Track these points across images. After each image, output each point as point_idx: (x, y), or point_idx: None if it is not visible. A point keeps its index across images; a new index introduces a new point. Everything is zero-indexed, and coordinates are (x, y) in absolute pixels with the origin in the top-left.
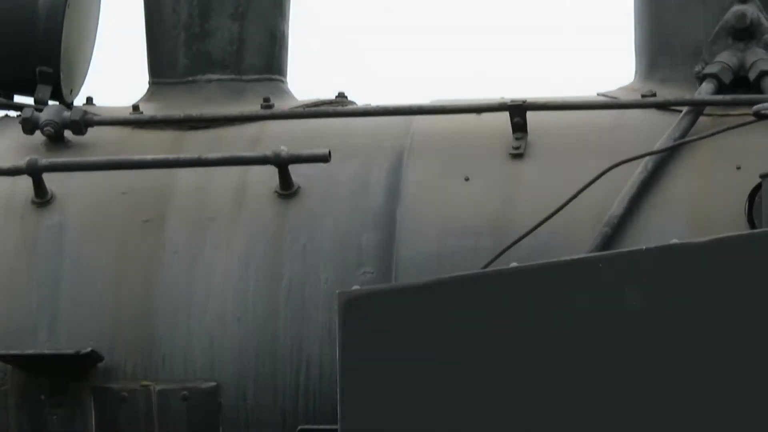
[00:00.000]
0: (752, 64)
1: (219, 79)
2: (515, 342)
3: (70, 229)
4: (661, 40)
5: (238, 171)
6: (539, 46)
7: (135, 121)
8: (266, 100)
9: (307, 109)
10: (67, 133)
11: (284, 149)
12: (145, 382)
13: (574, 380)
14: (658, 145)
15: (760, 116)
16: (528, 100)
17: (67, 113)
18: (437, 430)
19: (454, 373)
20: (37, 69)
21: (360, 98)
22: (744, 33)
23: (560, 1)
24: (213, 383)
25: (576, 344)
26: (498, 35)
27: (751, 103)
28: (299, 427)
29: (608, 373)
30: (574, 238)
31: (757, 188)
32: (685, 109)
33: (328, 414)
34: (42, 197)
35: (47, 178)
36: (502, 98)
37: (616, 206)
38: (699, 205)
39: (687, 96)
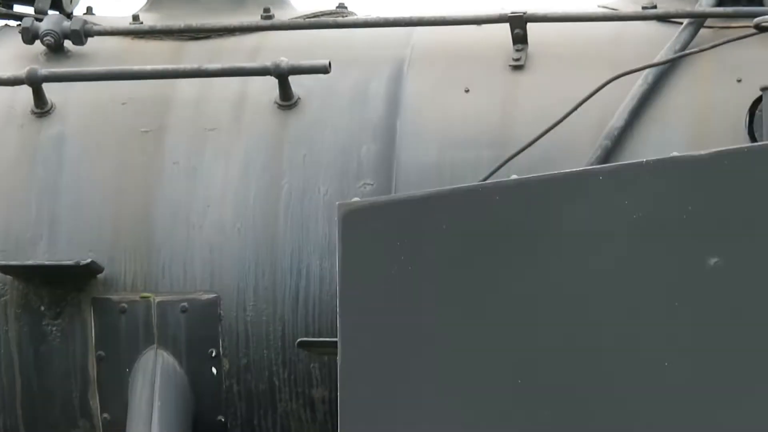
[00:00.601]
0: None
1: None
2: (515, 254)
3: (70, 140)
4: None
5: (238, 82)
6: None
7: (135, 31)
8: (266, 10)
9: (307, 20)
10: (67, 43)
11: (284, 60)
12: (144, 294)
13: (574, 291)
14: (658, 58)
15: (761, 29)
16: (528, 12)
17: (67, 23)
18: (436, 339)
19: (454, 285)
20: None
21: (360, 9)
22: None
23: None
24: (213, 294)
25: (576, 256)
26: None
27: (752, 16)
28: (298, 340)
29: (608, 283)
30: (575, 150)
31: (758, 101)
32: (685, 21)
33: (327, 324)
34: (42, 107)
35: (47, 88)
36: (503, 9)
37: (617, 118)
38: (699, 118)
39: (688, 8)
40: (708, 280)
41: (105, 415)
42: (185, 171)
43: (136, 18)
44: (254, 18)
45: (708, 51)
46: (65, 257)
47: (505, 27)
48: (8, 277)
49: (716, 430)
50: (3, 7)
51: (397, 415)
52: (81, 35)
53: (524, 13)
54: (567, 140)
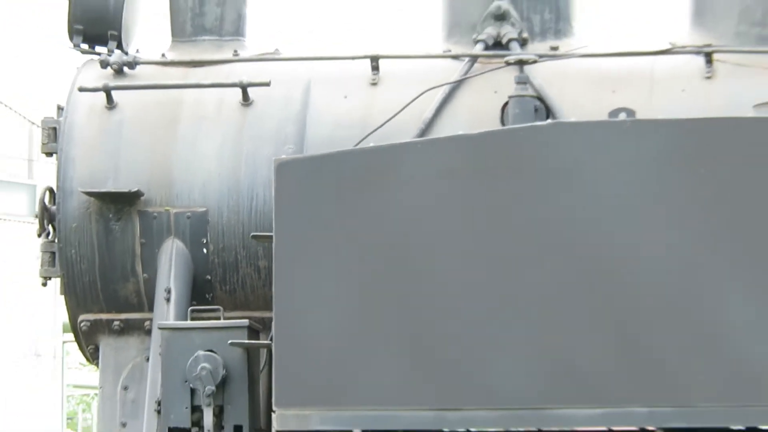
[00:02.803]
0: (504, 34)
1: (209, 39)
2: (371, 196)
3: (126, 124)
4: (454, 18)
5: (219, 91)
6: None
7: (162, 62)
8: (235, 52)
9: (257, 56)
10: (126, 69)
11: (245, 78)
12: (166, 208)
13: (406, 224)
14: (452, 79)
15: (508, 63)
16: (381, 53)
17: (125, 57)
18: (338, 240)
19: (341, 215)
20: (108, 32)
21: (285, 50)
22: (500, 17)
23: None
24: (204, 209)
25: (405, 198)
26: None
27: (503, 56)
28: (251, 234)
29: (423, 216)
30: (406, 130)
31: (506, 104)
32: (467, 59)
33: (268, 226)
34: (111, 104)
35: (114, 94)
36: (366, 52)
37: (428, 113)
38: (474, 113)
39: (468, 51)
40: (485, 216)
41: (145, 275)
42: (190, 142)
43: (163, 55)
44: (228, 55)
45: (479, 75)
46: (123, 187)
47: (367, 61)
48: (92, 198)
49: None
50: (90, 47)
51: (310, 276)
52: (133, 64)
53: (377, 54)
54: (401, 124)
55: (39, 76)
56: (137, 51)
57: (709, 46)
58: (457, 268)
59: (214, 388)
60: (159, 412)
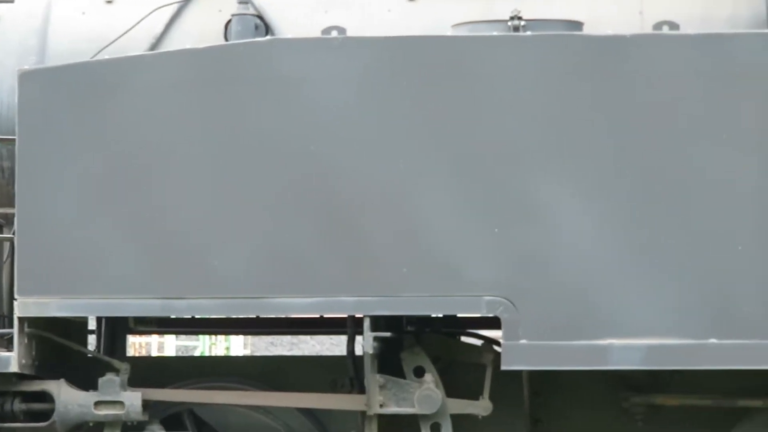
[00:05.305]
0: None
1: None
2: (105, 103)
3: None
4: None
5: None
6: None
7: None
8: None
9: None
10: None
11: None
12: None
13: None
14: None
15: None
16: None
17: None
18: (75, 144)
19: (85, 116)
20: None
21: None
22: None
23: None
24: None
25: (136, 109)
26: None
27: None
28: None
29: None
30: (138, 46)
31: (229, 21)
32: None
33: (12, 132)
34: None
35: None
36: None
37: (158, 29)
38: (200, 30)
39: None
40: (209, 123)
41: None
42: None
43: None
44: None
45: None
46: None
47: None
48: None
49: None
50: None
51: (51, 176)
52: None
53: None
54: (134, 40)
55: None
56: None
57: None
58: (182, 168)
59: None
60: None
